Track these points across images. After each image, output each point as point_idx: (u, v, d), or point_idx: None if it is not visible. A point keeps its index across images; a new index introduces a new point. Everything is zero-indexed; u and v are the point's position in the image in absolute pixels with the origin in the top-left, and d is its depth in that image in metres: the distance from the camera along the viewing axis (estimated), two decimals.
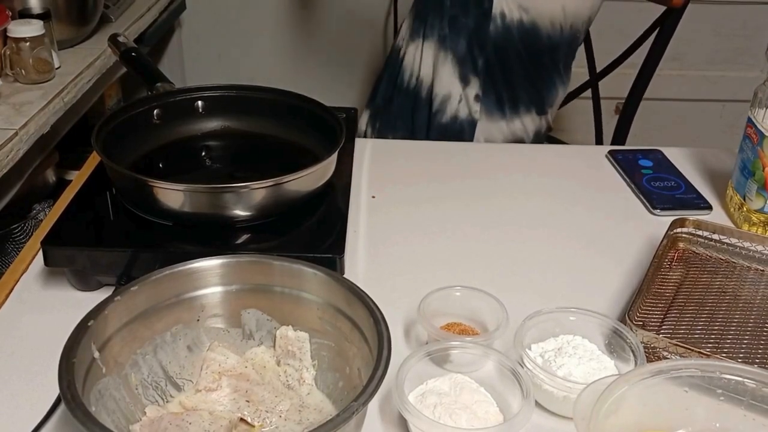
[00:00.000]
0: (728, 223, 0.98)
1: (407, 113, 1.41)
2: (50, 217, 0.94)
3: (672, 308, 0.80)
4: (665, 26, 1.52)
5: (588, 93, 1.71)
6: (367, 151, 1.15)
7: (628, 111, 1.62)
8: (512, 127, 1.37)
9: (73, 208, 0.86)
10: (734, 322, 0.78)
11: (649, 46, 1.57)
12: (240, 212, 0.81)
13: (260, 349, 0.70)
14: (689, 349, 0.70)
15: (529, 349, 0.71)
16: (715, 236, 0.90)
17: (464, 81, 1.34)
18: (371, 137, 1.44)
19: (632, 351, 0.69)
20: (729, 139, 2.18)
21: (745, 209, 0.97)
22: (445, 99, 1.36)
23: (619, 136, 1.64)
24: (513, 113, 1.37)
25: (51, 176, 1.56)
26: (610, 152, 1.17)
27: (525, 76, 1.34)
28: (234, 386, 0.66)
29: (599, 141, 1.73)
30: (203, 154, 1.01)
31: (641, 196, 1.05)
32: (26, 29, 1.34)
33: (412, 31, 1.40)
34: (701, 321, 0.78)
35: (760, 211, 0.95)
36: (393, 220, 0.97)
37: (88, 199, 0.88)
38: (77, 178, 1.03)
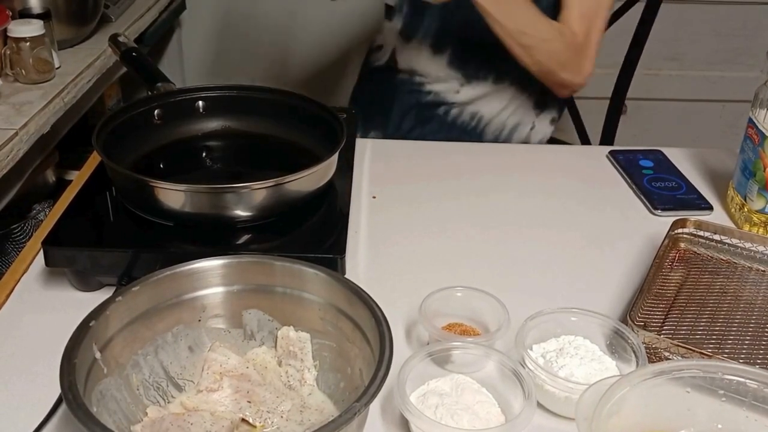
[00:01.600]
0: (729, 224, 0.98)
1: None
2: (51, 217, 0.94)
3: (673, 309, 0.80)
4: (642, 25, 1.53)
5: (588, 93, 1.71)
6: (368, 151, 1.15)
7: (612, 110, 1.62)
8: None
9: (73, 209, 0.85)
10: (736, 322, 0.78)
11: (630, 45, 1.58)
12: (241, 212, 0.81)
13: (261, 350, 0.70)
14: (691, 349, 0.70)
15: (531, 349, 0.71)
16: (716, 237, 0.90)
17: (540, 107, 1.34)
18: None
19: (634, 351, 0.69)
20: (729, 139, 2.18)
21: (746, 210, 0.97)
22: (513, 129, 1.34)
23: (608, 136, 1.64)
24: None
25: (51, 176, 1.55)
26: (611, 152, 1.17)
27: None
28: (235, 387, 0.66)
29: (606, 141, 1.72)
30: (204, 154, 1.01)
31: (642, 197, 1.05)
32: (26, 29, 1.34)
33: (451, 78, 1.33)
34: (703, 321, 0.78)
35: (761, 211, 0.95)
36: (394, 221, 0.97)
37: (89, 200, 0.88)
38: (77, 178, 1.03)
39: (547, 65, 1.18)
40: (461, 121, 1.35)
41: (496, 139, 1.35)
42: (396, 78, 1.38)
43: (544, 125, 1.37)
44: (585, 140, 1.71)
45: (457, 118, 1.35)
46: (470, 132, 1.35)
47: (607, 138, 1.64)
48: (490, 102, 1.33)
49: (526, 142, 1.36)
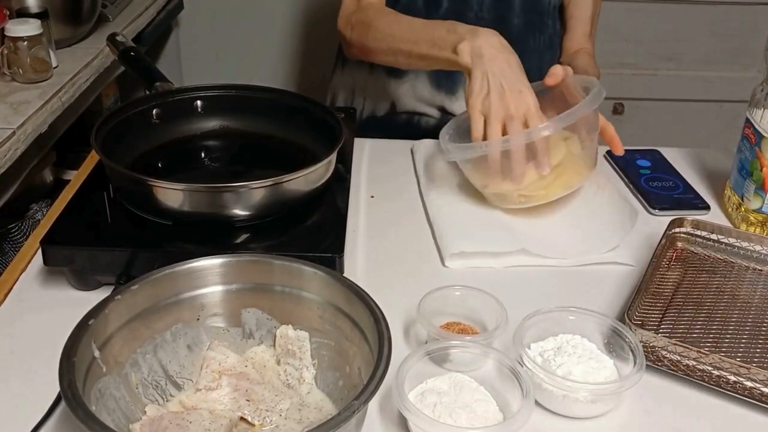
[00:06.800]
0: (726, 223, 0.98)
1: None
2: (49, 216, 0.94)
3: (671, 308, 0.80)
4: None
5: None
6: (366, 151, 1.15)
7: None
8: None
9: (72, 208, 0.85)
10: (732, 321, 0.79)
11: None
12: (239, 212, 0.81)
13: (260, 348, 0.70)
14: (688, 347, 0.70)
15: (529, 348, 0.71)
16: (713, 236, 0.90)
17: None
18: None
19: (631, 350, 0.70)
20: (726, 139, 2.17)
21: (742, 209, 0.97)
22: None
23: None
24: None
25: (48, 176, 1.55)
26: (608, 152, 1.16)
27: None
28: (234, 385, 0.66)
29: None
30: (202, 153, 1.01)
31: (639, 196, 1.05)
32: (24, 28, 1.33)
33: None
34: (700, 320, 0.78)
35: (758, 210, 0.95)
36: (391, 220, 0.97)
37: (87, 199, 0.88)
38: (76, 177, 1.03)
39: None
40: None
41: None
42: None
43: None
44: None
45: None
46: None
47: None
48: None
49: None
